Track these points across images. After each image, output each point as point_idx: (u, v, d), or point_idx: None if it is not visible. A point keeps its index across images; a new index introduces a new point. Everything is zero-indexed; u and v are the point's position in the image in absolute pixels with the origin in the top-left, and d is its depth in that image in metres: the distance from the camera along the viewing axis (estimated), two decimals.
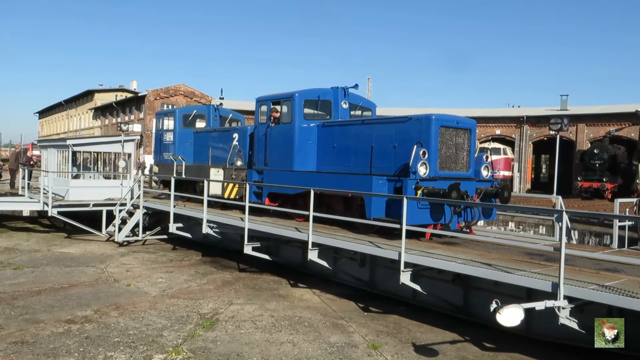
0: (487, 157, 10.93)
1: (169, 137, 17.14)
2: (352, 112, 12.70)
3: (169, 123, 17.30)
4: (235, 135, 14.17)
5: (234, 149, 13.99)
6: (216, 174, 14.33)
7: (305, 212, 10.71)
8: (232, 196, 13.57)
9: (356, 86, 12.63)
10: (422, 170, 9.44)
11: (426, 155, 9.47)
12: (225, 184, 13.67)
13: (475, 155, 10.89)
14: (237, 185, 13.41)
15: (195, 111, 17.34)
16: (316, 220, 9.98)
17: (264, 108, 13.04)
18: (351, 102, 12.65)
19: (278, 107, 12.68)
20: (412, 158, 9.42)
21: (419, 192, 9.29)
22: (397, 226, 8.63)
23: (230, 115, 17.61)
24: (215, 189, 13.74)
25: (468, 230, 10.58)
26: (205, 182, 13.23)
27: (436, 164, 9.79)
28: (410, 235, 9.03)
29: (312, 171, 11.84)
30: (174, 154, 16.59)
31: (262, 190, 12.65)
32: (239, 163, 13.81)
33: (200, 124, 17.15)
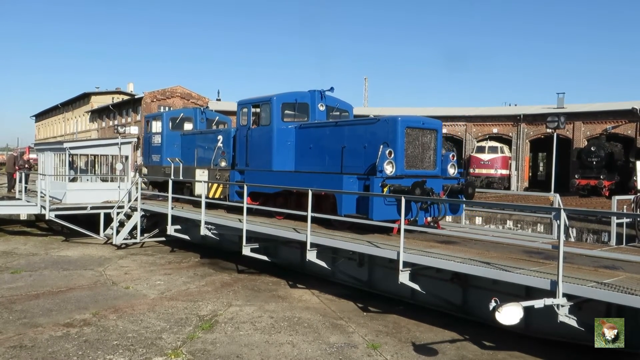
0: (453, 156, 11.44)
1: (157, 139, 17.28)
2: (331, 114, 13.05)
3: (157, 126, 17.45)
4: (220, 137, 14.48)
5: (218, 150, 14.30)
6: (201, 174, 14.67)
7: (285, 211, 11.42)
8: (217, 196, 13.87)
9: (332, 89, 13.01)
10: (389, 169, 9.86)
11: (392, 155, 9.92)
12: (210, 184, 13.92)
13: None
14: (221, 185, 13.74)
15: (182, 114, 17.64)
16: (296, 217, 10.19)
17: (245, 110, 13.37)
18: (328, 105, 13.01)
19: (258, 110, 12.92)
20: (378, 157, 9.85)
21: (385, 189, 9.65)
22: (395, 225, 8.66)
23: (217, 117, 17.87)
24: (200, 189, 13.93)
25: (435, 225, 10.97)
26: (203, 184, 13.29)
27: (403, 163, 10.20)
28: (381, 230, 9.76)
29: (290, 171, 12.23)
30: (162, 156, 16.78)
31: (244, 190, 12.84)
32: (222, 164, 14.12)
33: (187, 127, 17.31)
